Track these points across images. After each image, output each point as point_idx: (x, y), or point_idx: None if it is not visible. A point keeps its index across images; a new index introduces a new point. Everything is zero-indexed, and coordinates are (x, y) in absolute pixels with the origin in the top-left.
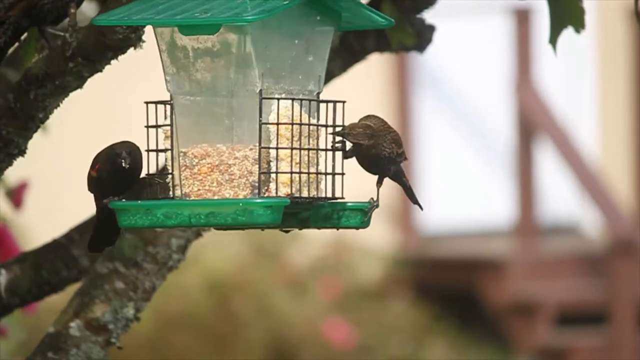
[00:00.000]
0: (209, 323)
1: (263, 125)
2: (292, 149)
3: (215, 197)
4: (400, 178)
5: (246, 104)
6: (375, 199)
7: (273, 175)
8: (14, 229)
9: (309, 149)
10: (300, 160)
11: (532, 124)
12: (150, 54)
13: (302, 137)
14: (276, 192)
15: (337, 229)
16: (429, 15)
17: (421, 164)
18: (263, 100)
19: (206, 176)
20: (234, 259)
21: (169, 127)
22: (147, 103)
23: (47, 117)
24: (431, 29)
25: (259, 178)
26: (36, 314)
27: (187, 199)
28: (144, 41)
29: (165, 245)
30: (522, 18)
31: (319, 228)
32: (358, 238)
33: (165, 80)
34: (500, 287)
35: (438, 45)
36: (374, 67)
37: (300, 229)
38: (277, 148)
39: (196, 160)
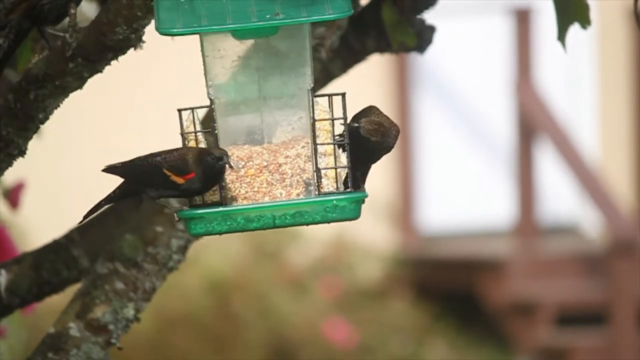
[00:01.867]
0: (209, 323)
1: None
2: (336, 144)
3: (266, 198)
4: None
5: (295, 103)
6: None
7: (323, 171)
8: (14, 229)
9: (343, 144)
10: (339, 154)
11: (532, 124)
12: (151, 54)
13: (327, 132)
14: (336, 187)
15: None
16: (429, 16)
17: (421, 164)
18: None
19: (254, 178)
20: (234, 259)
21: (201, 133)
22: (180, 110)
23: (47, 118)
24: (431, 29)
25: (315, 175)
26: (36, 314)
27: (235, 202)
28: (144, 42)
29: (165, 245)
30: (522, 18)
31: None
32: (358, 238)
33: (207, 85)
34: (501, 287)
35: (438, 46)
36: (374, 68)
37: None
38: (333, 144)
39: (242, 163)
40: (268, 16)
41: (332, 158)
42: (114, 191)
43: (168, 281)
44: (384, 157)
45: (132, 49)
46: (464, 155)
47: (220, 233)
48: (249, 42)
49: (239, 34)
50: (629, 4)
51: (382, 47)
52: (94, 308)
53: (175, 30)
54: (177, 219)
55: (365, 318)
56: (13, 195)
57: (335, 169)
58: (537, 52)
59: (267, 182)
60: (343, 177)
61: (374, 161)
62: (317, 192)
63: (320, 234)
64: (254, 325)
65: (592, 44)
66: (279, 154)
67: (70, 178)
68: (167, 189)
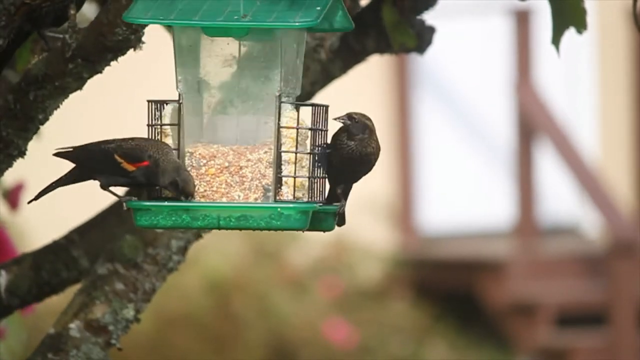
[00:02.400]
0: (209, 323)
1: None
2: (308, 153)
3: (224, 199)
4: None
5: (262, 107)
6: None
7: (285, 179)
8: (13, 230)
9: (314, 153)
10: (307, 164)
11: (532, 124)
12: (151, 55)
13: (304, 141)
14: (294, 196)
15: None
16: (429, 17)
17: (421, 165)
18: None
19: (214, 177)
20: (234, 260)
21: (169, 127)
22: (149, 101)
23: (46, 118)
24: (431, 30)
25: (275, 181)
26: (36, 314)
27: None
28: (143, 42)
29: (165, 246)
30: (522, 19)
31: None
32: (358, 238)
33: (177, 79)
34: (500, 288)
35: (438, 46)
36: (374, 68)
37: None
38: (295, 152)
39: (204, 161)
40: (235, 17)
41: (295, 166)
42: (65, 175)
43: (168, 282)
44: (384, 157)
45: (131, 50)
46: (463, 155)
47: (164, 227)
48: (222, 41)
49: (207, 31)
50: (628, 4)
51: (382, 47)
52: (93, 309)
53: (140, 19)
54: (125, 208)
55: (365, 318)
56: (12, 196)
57: (294, 177)
58: (536, 53)
59: (227, 183)
60: (321, 189)
61: (355, 179)
62: (274, 199)
63: (320, 234)
64: (254, 326)
65: (591, 45)
66: (242, 157)
67: None
68: (117, 175)
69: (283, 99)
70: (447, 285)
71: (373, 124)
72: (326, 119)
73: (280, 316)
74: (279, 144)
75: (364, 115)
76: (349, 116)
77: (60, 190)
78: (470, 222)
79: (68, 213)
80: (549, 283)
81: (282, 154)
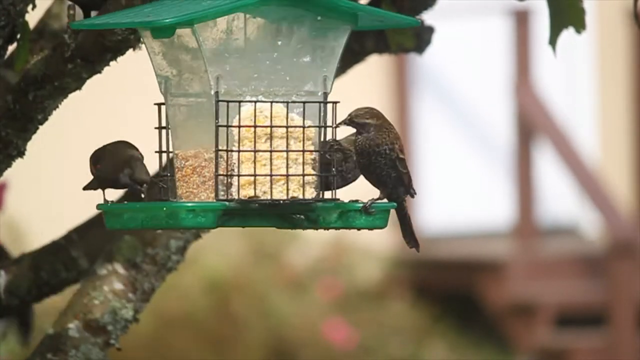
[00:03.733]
0: (208, 324)
1: (230, 128)
2: (254, 151)
3: (196, 199)
4: (400, 198)
5: (205, 106)
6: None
7: (235, 178)
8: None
9: (271, 151)
10: (270, 162)
11: (532, 125)
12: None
13: (278, 139)
14: (238, 195)
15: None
16: (428, 17)
17: (421, 165)
18: (236, 103)
19: (189, 178)
20: (233, 260)
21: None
22: (158, 105)
23: (46, 119)
24: (430, 30)
25: (216, 180)
26: (36, 314)
27: (179, 200)
28: (142, 42)
29: (164, 246)
30: (522, 19)
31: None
32: (358, 239)
33: (158, 82)
34: (500, 288)
35: (437, 47)
36: (374, 68)
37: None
38: (238, 151)
39: (183, 163)
40: (146, 18)
41: (249, 165)
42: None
43: (167, 282)
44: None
45: (131, 50)
46: (463, 156)
47: (135, 228)
48: (171, 42)
49: (153, 34)
50: (628, 4)
51: (381, 47)
52: (92, 309)
53: (87, 23)
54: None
55: (365, 319)
56: None
57: (238, 176)
58: (536, 53)
59: (196, 183)
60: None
61: (382, 176)
62: (217, 197)
63: (320, 234)
64: (253, 326)
65: (591, 45)
66: (202, 157)
67: (70, 179)
68: (93, 179)
69: (248, 97)
70: (447, 285)
71: (378, 117)
72: (326, 116)
73: (279, 316)
74: (217, 143)
75: (367, 112)
76: (350, 119)
77: (59, 190)
78: (470, 222)
79: (67, 213)
80: (548, 283)
81: (239, 154)
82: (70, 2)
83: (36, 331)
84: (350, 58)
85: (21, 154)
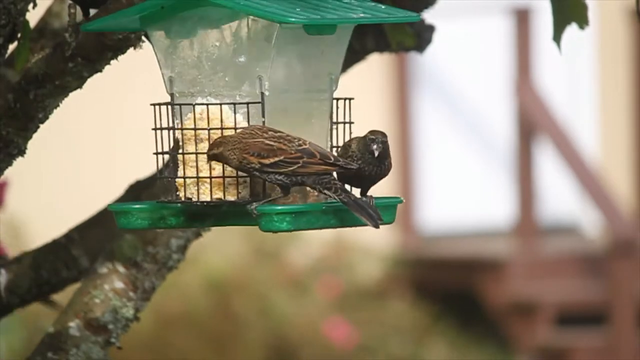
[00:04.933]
0: (209, 323)
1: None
2: (174, 154)
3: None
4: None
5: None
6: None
7: (178, 180)
8: (12, 229)
9: (198, 153)
10: (194, 164)
11: (532, 124)
12: (151, 54)
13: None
14: (184, 196)
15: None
16: (428, 16)
17: (421, 164)
18: (189, 105)
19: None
20: (234, 259)
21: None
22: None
23: (46, 117)
24: (431, 29)
25: (161, 183)
26: (36, 314)
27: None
28: (143, 41)
29: (164, 245)
30: (522, 18)
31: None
32: (358, 238)
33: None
34: (500, 287)
35: (438, 46)
36: (374, 68)
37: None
38: (168, 153)
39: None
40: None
41: (185, 167)
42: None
43: (168, 281)
44: None
45: (131, 49)
46: (463, 155)
47: (143, 228)
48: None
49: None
50: (629, 3)
51: (382, 46)
52: (93, 307)
53: (91, 26)
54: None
55: (365, 318)
56: None
57: (170, 178)
58: (537, 52)
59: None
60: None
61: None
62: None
63: (320, 234)
64: (253, 325)
65: (592, 44)
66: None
67: (70, 178)
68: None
69: (180, 99)
70: (447, 284)
71: (218, 146)
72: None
73: (280, 315)
74: (178, 147)
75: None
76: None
77: (59, 189)
78: (470, 221)
79: (68, 212)
80: (549, 282)
81: (178, 155)
82: (70, 1)
83: (37, 330)
84: (351, 57)
85: (22, 152)
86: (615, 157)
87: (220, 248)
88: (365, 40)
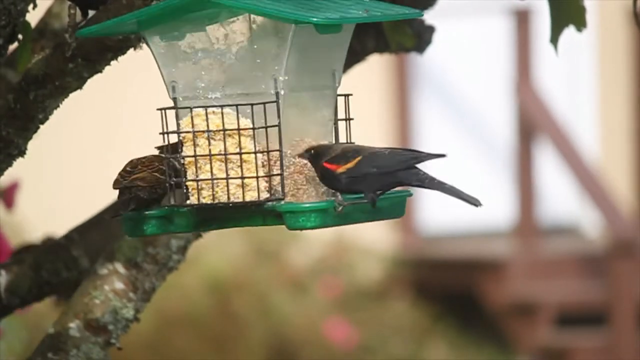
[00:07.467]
0: (209, 323)
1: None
2: (194, 156)
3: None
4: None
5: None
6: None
7: (187, 183)
8: (12, 229)
9: (212, 155)
10: (208, 167)
11: (532, 124)
12: (151, 55)
13: (224, 143)
14: (198, 200)
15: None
16: (428, 16)
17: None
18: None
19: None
20: (234, 259)
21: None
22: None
23: (46, 118)
24: (431, 29)
25: (168, 186)
26: (36, 314)
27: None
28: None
29: (165, 246)
30: (522, 18)
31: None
32: (358, 238)
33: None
34: (501, 288)
35: (438, 46)
36: (374, 68)
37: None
38: (172, 157)
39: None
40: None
41: (191, 171)
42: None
43: (168, 281)
44: None
45: (132, 49)
46: (464, 155)
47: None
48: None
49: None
50: (629, 4)
51: (382, 47)
52: (93, 308)
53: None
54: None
55: (365, 318)
56: (8, 195)
57: (197, 181)
58: (537, 53)
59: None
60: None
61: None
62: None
63: (320, 234)
64: (254, 325)
65: (591, 44)
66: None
67: (70, 178)
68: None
69: (184, 103)
70: (447, 285)
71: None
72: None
73: (280, 315)
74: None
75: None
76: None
77: (59, 189)
78: (470, 221)
79: (68, 212)
80: (549, 283)
81: (181, 159)
82: (70, 2)
83: (37, 330)
84: (351, 58)
85: (22, 153)
86: (615, 157)
87: (220, 248)
88: (365, 41)
